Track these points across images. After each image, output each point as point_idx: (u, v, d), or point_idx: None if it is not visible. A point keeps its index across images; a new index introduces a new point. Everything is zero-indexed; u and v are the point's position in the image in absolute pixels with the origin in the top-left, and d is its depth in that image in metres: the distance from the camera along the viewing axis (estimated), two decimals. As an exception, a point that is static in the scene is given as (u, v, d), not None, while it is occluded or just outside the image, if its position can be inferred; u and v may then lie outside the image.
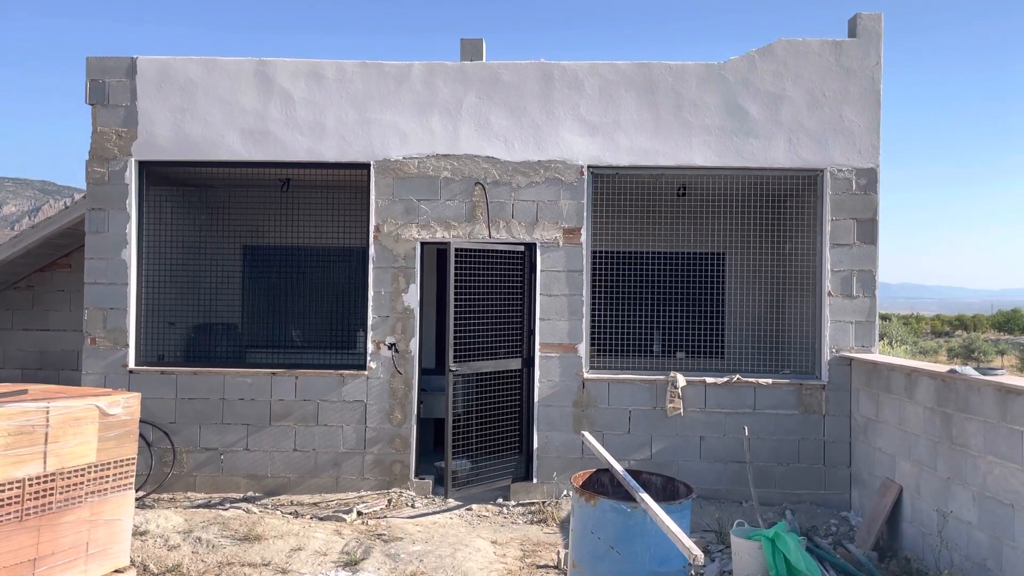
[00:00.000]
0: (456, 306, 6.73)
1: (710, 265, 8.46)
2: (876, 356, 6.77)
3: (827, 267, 6.98)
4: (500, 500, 6.99)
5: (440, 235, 7.13)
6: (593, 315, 7.28)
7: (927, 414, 5.52)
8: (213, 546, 5.58)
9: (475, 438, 6.91)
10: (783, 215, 7.76)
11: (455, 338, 6.72)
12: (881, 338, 18.57)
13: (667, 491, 4.64)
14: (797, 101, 7.04)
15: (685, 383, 6.97)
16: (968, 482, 4.98)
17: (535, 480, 7.07)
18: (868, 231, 6.99)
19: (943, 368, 5.45)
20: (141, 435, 6.52)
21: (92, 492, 4.48)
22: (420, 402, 7.25)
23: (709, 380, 7.00)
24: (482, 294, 6.87)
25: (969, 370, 5.11)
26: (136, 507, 6.00)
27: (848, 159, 7.00)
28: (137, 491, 6.75)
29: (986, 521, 4.79)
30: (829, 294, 6.98)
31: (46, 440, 4.20)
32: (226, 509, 6.67)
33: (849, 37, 7.11)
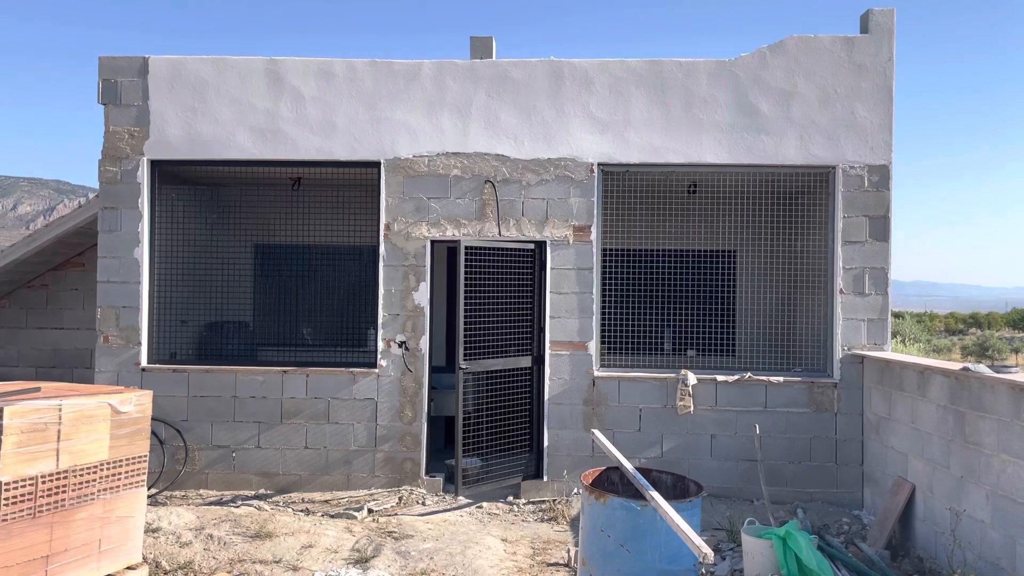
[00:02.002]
0: (466, 304, 6.73)
1: (721, 263, 8.43)
2: (888, 354, 6.72)
3: (839, 264, 6.94)
4: (510, 498, 7.00)
5: (450, 233, 7.14)
6: (603, 313, 7.27)
7: (940, 412, 5.47)
8: (225, 543, 5.61)
9: (485, 436, 6.91)
10: (794, 212, 7.72)
11: (465, 336, 6.72)
12: (894, 336, 18.44)
13: (677, 489, 4.62)
14: (808, 98, 7.00)
15: (696, 381, 6.94)
16: (981, 481, 4.94)
17: (545, 478, 7.07)
18: (880, 228, 6.94)
19: (956, 366, 5.40)
20: (153, 433, 6.57)
21: (104, 489, 4.51)
22: (430, 400, 7.26)
23: (720, 378, 6.98)
24: (492, 292, 6.87)
25: (983, 368, 5.06)
26: (148, 504, 6.05)
27: (860, 156, 6.95)
28: (149, 488, 6.79)
29: (1000, 520, 4.75)
30: (841, 292, 6.94)
31: (59, 438, 4.23)
32: (238, 506, 6.70)
33: (861, 33, 7.06)
